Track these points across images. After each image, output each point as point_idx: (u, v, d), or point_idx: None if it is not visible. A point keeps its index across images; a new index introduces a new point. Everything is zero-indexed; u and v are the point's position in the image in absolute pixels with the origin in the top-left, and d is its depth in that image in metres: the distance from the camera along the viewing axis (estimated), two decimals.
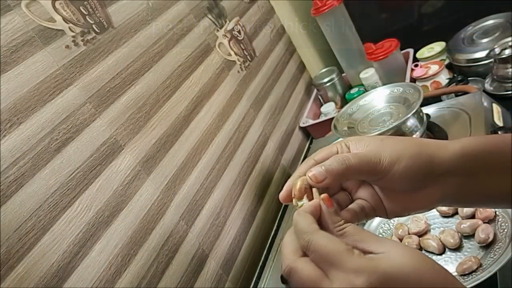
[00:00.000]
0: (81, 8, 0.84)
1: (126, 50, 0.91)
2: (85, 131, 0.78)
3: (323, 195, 0.40)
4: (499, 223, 0.74)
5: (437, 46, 1.50)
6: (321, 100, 1.60)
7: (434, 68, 1.41)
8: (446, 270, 0.37)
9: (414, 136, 0.97)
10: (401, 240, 0.82)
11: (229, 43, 1.25)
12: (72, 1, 0.82)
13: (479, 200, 0.47)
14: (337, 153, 0.44)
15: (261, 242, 1.13)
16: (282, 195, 0.44)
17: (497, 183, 0.44)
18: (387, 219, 0.87)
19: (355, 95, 1.45)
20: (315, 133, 1.46)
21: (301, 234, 0.38)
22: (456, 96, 1.23)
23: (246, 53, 1.33)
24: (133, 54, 0.93)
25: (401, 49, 1.48)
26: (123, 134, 0.85)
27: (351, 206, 0.45)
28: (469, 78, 1.33)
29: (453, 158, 0.43)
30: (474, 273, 0.68)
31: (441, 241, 0.77)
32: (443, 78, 1.40)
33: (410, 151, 0.42)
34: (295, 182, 0.42)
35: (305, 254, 0.38)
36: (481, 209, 0.76)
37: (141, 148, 0.88)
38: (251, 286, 1.00)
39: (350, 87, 1.56)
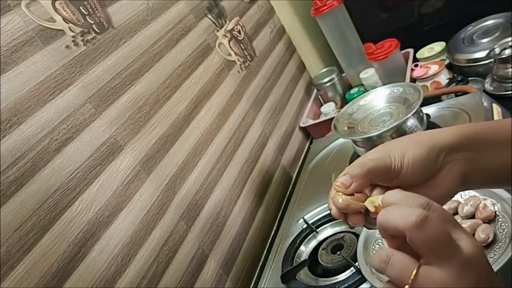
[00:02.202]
0: (81, 8, 0.84)
1: (126, 50, 0.91)
2: (85, 131, 0.78)
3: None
4: (499, 223, 0.74)
5: (437, 46, 1.51)
6: (321, 100, 1.60)
7: (434, 68, 1.41)
8: None
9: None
10: None
11: (229, 43, 1.25)
12: (72, 1, 0.82)
13: (498, 177, 0.49)
14: None
15: (261, 242, 1.13)
16: (335, 214, 0.46)
17: (504, 156, 0.47)
18: None
19: (355, 95, 1.45)
20: (315, 133, 1.46)
21: (415, 197, 0.39)
22: (456, 96, 1.23)
23: (246, 53, 1.33)
24: (133, 54, 0.93)
25: (401, 49, 1.48)
26: (123, 134, 0.85)
27: None
28: (469, 78, 1.33)
29: (452, 135, 0.47)
30: None
31: None
32: (443, 78, 1.40)
33: (411, 142, 0.46)
34: (342, 205, 0.45)
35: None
36: (481, 209, 0.76)
37: (141, 148, 0.88)
38: (251, 286, 1.00)
39: (350, 87, 1.56)
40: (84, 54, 0.82)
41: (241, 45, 1.31)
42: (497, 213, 0.76)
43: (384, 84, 1.37)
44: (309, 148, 1.42)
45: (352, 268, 0.85)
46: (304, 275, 0.92)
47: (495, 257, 0.68)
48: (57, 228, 0.69)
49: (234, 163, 1.13)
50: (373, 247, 0.82)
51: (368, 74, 1.45)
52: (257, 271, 1.04)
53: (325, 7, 1.41)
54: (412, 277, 0.36)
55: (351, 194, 0.45)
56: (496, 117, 1.03)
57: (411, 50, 1.53)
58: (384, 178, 0.45)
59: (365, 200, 0.44)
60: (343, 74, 1.58)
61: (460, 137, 0.47)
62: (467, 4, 1.47)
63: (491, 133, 0.48)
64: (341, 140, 1.25)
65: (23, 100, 0.70)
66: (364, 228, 0.83)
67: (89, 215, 0.74)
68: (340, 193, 0.45)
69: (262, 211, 1.18)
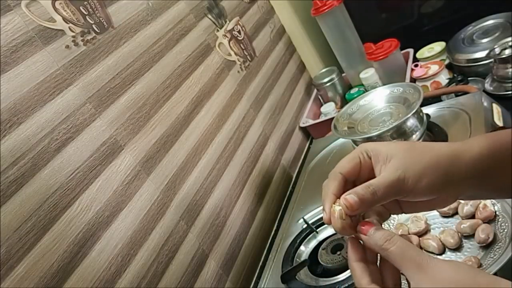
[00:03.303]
0: (81, 8, 0.84)
1: (126, 50, 0.91)
2: (85, 131, 0.78)
3: (358, 228, 0.43)
4: (499, 223, 0.74)
5: (437, 46, 1.51)
6: (321, 100, 1.60)
7: (434, 68, 1.41)
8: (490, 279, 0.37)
9: (414, 136, 0.97)
10: None
11: (229, 43, 1.25)
12: (72, 1, 0.82)
13: (492, 194, 0.50)
14: (360, 163, 0.46)
15: (261, 242, 1.13)
16: (326, 219, 0.46)
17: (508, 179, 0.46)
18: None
19: (355, 95, 1.45)
20: (315, 133, 1.46)
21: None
22: (456, 96, 1.23)
23: (246, 53, 1.33)
24: (133, 54, 0.93)
25: (401, 49, 1.48)
26: (123, 134, 0.85)
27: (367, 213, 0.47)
28: (469, 78, 1.33)
29: (470, 165, 0.44)
30: None
31: (441, 241, 0.76)
32: (443, 78, 1.40)
33: (430, 169, 0.43)
34: (334, 211, 0.44)
35: None
36: (481, 209, 0.76)
37: (141, 148, 0.88)
38: (251, 286, 1.00)
39: (350, 87, 1.56)
40: (84, 54, 0.82)
41: (241, 45, 1.31)
42: (497, 213, 0.76)
43: (384, 84, 1.37)
44: (309, 148, 1.42)
45: None
46: (304, 275, 0.92)
47: (495, 257, 0.68)
48: (57, 228, 0.69)
49: (234, 163, 1.13)
50: None
51: (368, 74, 1.45)
52: (257, 271, 1.04)
53: (325, 7, 1.41)
54: None
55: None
56: (496, 117, 1.03)
57: (411, 50, 1.53)
58: (391, 199, 0.45)
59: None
60: (343, 74, 1.58)
61: (477, 166, 0.44)
62: (467, 4, 1.47)
63: (504, 155, 0.45)
64: (341, 140, 1.25)
65: (23, 100, 0.70)
66: None
67: (89, 215, 0.74)
68: (340, 207, 0.43)
69: (262, 211, 1.18)
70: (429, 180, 0.43)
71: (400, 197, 0.44)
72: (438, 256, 0.76)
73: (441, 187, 0.44)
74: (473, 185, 0.45)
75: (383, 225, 0.45)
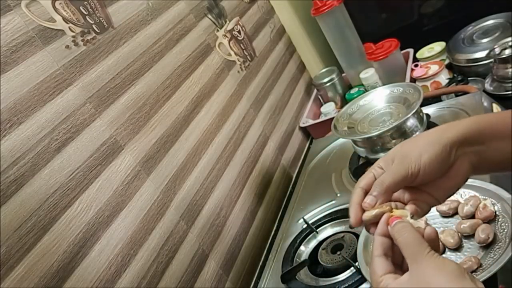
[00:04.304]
0: (81, 8, 0.84)
1: (126, 50, 0.91)
2: (85, 131, 0.78)
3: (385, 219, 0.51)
4: (499, 223, 0.74)
5: (437, 46, 1.51)
6: (321, 100, 1.60)
7: (434, 68, 1.41)
8: None
9: (414, 136, 0.97)
10: None
11: (229, 43, 1.25)
12: (72, 1, 0.82)
13: (506, 164, 0.54)
14: (373, 176, 0.54)
15: (261, 242, 1.13)
16: (354, 222, 0.53)
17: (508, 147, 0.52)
18: None
19: (355, 95, 1.45)
20: (315, 133, 1.46)
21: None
22: (456, 96, 1.23)
23: (246, 53, 1.33)
24: (133, 54, 0.93)
25: (401, 49, 1.48)
26: (123, 134, 0.85)
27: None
28: (469, 78, 1.34)
29: (461, 129, 0.52)
30: (474, 273, 0.68)
31: (441, 241, 0.76)
32: (443, 78, 1.40)
33: (425, 145, 0.51)
34: (369, 217, 0.52)
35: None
36: (481, 209, 0.76)
37: (141, 148, 0.88)
38: (251, 286, 1.00)
39: (350, 87, 1.57)
40: (84, 54, 0.82)
41: (241, 45, 1.31)
42: (497, 213, 0.75)
43: (384, 84, 1.37)
44: (309, 148, 1.42)
45: (352, 268, 0.85)
46: (304, 275, 0.92)
47: (495, 257, 0.68)
48: (57, 228, 0.69)
49: (234, 163, 1.13)
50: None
51: (368, 74, 1.45)
52: (257, 271, 1.04)
53: (325, 7, 1.41)
54: None
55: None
56: None
57: (411, 50, 1.53)
58: (404, 185, 0.52)
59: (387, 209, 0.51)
60: (343, 74, 1.58)
61: (468, 130, 0.52)
62: (467, 4, 1.47)
63: (497, 126, 0.53)
64: (341, 140, 1.25)
65: (23, 100, 0.70)
66: (364, 228, 0.83)
67: (89, 215, 0.75)
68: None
69: (262, 211, 1.18)
70: (428, 155, 0.50)
71: (411, 181, 0.51)
72: None
73: (440, 156, 0.50)
74: (473, 151, 0.51)
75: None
